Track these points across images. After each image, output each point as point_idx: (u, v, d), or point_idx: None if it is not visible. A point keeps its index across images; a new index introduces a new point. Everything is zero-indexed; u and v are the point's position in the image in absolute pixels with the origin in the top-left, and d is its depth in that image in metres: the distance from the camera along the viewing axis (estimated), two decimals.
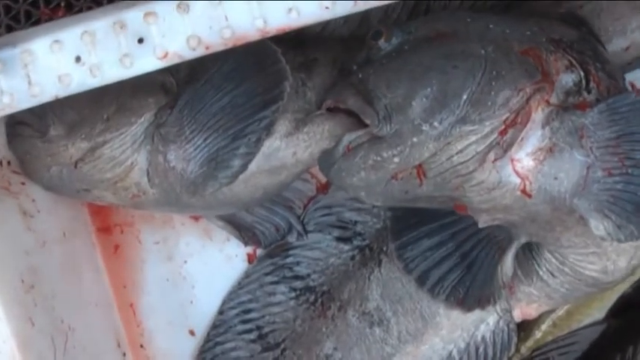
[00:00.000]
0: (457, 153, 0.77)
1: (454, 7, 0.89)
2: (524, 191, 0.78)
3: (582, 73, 0.80)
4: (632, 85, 0.95)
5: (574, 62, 0.80)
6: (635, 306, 0.93)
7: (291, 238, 0.97)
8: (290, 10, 0.73)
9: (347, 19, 0.89)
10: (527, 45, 0.80)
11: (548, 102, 0.78)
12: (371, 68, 0.81)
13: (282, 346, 0.97)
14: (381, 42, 0.83)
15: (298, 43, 0.88)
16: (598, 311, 0.94)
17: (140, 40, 0.74)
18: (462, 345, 0.92)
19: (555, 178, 0.77)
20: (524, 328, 0.95)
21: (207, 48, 0.74)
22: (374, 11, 0.86)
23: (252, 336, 0.98)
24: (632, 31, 0.90)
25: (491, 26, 0.81)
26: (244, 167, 0.85)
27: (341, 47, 0.89)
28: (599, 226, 0.77)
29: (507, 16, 0.84)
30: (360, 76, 0.82)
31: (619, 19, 0.90)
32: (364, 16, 0.87)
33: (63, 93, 0.75)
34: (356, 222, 0.96)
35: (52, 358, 0.86)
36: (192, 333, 1.02)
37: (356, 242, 0.96)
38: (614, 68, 0.84)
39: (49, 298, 0.88)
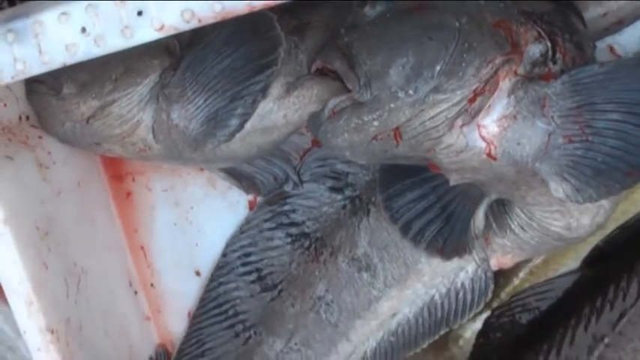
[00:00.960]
0: (429, 118, 0.83)
1: None
2: (489, 154, 0.83)
3: (549, 44, 0.84)
4: (612, 48, 0.99)
5: (542, 34, 0.84)
6: (606, 257, 0.97)
7: (288, 188, 1.04)
8: None
9: None
10: (499, 17, 0.84)
11: (515, 72, 0.83)
12: (355, 33, 0.87)
13: (279, 287, 1.04)
14: (367, 8, 0.88)
15: (292, 7, 0.93)
16: (573, 261, 0.99)
17: (139, 13, 0.80)
18: (443, 290, 0.99)
19: (518, 144, 0.83)
20: (504, 275, 1.01)
21: (199, 21, 0.79)
22: None
23: (252, 277, 1.05)
24: None
25: None
26: (241, 126, 0.91)
27: (333, 11, 0.93)
28: (558, 188, 0.83)
29: None
30: (346, 40, 0.87)
31: None
32: None
33: (70, 61, 0.81)
34: (347, 173, 1.02)
35: (65, 297, 0.94)
36: (197, 273, 1.09)
37: (347, 192, 1.02)
38: (584, 39, 0.88)
39: (62, 243, 0.95)
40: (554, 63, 0.84)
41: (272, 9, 0.88)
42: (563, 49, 0.85)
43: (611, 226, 0.97)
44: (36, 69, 0.82)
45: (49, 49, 0.81)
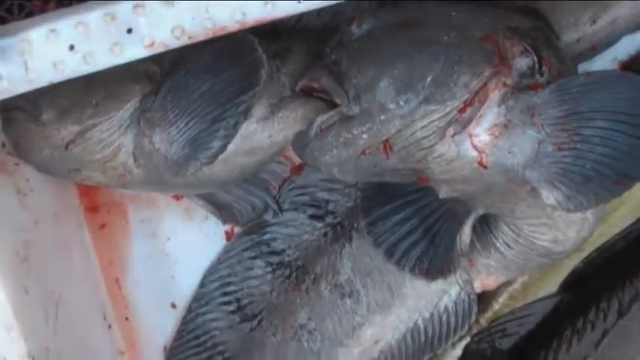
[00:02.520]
0: (420, 129, 0.84)
1: None
2: (480, 163, 0.85)
3: (536, 58, 0.86)
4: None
5: (528, 48, 0.86)
6: (584, 280, 0.99)
7: (268, 216, 1.03)
8: (266, 3, 0.80)
9: (320, 12, 0.95)
10: (486, 32, 0.86)
11: (504, 84, 0.85)
12: (343, 51, 0.88)
13: (260, 317, 1.03)
14: (353, 27, 0.89)
15: (274, 33, 0.94)
16: (551, 285, 1.00)
17: (129, 31, 0.80)
18: (427, 315, 0.99)
19: (509, 152, 0.84)
20: (483, 301, 1.01)
21: (190, 37, 0.80)
22: (346, 4, 0.92)
23: (231, 307, 1.03)
24: (584, 24, 0.96)
25: (454, 14, 0.87)
26: (223, 148, 0.90)
27: (314, 37, 0.95)
28: (549, 196, 0.83)
29: (469, 5, 0.90)
30: (333, 57, 0.88)
31: (571, 14, 0.96)
32: (336, 10, 0.94)
33: (57, 78, 0.81)
34: (328, 201, 1.02)
35: (44, 325, 0.91)
36: (173, 306, 1.07)
37: (328, 220, 1.02)
38: (565, 55, 0.90)
39: (41, 270, 0.93)
40: (542, 75, 0.86)
41: (253, 34, 0.89)
42: (548, 62, 0.87)
43: (589, 249, 0.98)
44: (22, 87, 0.81)
45: (36, 66, 0.81)
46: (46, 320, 0.92)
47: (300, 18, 0.95)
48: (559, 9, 0.96)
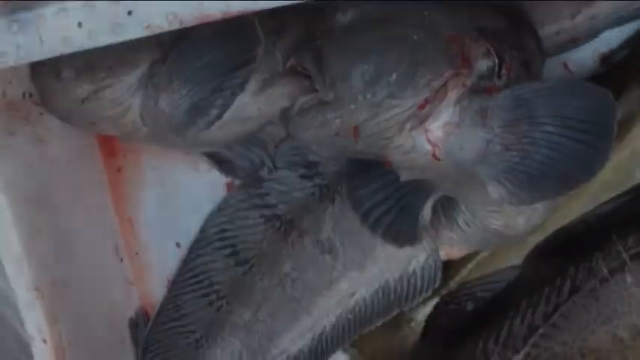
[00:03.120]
0: (384, 120, 0.91)
1: None
2: (434, 156, 0.91)
3: (497, 61, 0.91)
4: (565, 65, 1.07)
5: (491, 50, 0.92)
6: (546, 256, 1.06)
7: (263, 173, 1.13)
8: None
9: None
10: (454, 32, 0.92)
11: (463, 84, 0.90)
12: (327, 38, 0.95)
13: (251, 262, 1.13)
14: (339, 15, 0.96)
15: (273, 11, 1.02)
16: (516, 257, 1.07)
17: (129, 13, 0.89)
18: (397, 275, 1.08)
19: (460, 148, 0.90)
20: (453, 267, 1.10)
21: (181, 22, 0.88)
22: None
23: (227, 252, 1.14)
24: (563, 17, 1.01)
25: (426, 13, 0.93)
26: (220, 116, 0.99)
27: (308, 16, 1.00)
28: (494, 191, 0.90)
29: (444, 5, 0.95)
30: (318, 42, 0.95)
31: (551, 7, 1.01)
32: None
33: (66, 51, 0.90)
34: (318, 163, 1.11)
35: (53, 260, 1.04)
36: (178, 245, 1.18)
37: (316, 180, 1.11)
38: (531, 57, 0.95)
39: (55, 212, 1.05)
40: (499, 78, 0.92)
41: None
42: (509, 65, 0.92)
43: (551, 229, 1.05)
44: (36, 56, 0.91)
45: (48, 39, 0.90)
46: (56, 256, 1.04)
47: None
48: (539, 3, 0.99)
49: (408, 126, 0.91)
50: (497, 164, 0.90)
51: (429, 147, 0.92)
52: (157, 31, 0.89)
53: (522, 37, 0.96)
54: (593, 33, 1.04)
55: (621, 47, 1.07)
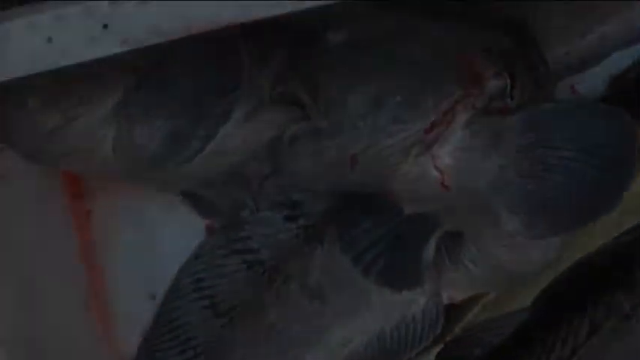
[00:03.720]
0: (387, 147, 0.85)
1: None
2: (442, 184, 0.86)
3: (508, 81, 0.87)
4: (573, 88, 1.03)
5: (502, 70, 0.87)
6: (558, 295, 0.99)
7: (245, 214, 1.04)
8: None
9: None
10: (462, 52, 0.87)
11: (473, 106, 0.85)
12: (319, 59, 0.90)
13: (231, 314, 1.04)
14: (330, 34, 0.90)
15: (257, 32, 0.95)
16: (525, 298, 1.00)
17: (105, 26, 0.82)
18: (394, 322, 1.00)
19: (471, 175, 0.85)
20: (458, 310, 1.02)
21: (161, 35, 0.81)
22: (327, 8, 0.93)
23: (205, 303, 1.05)
24: (572, 37, 0.98)
25: (431, 32, 0.88)
26: (202, 149, 0.93)
27: (298, 35, 0.94)
28: (508, 222, 0.85)
29: (448, 24, 0.90)
30: (309, 65, 0.90)
31: (560, 27, 0.97)
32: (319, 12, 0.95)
33: (35, 70, 0.82)
34: (303, 203, 1.03)
35: (17, 310, 0.95)
36: (152, 296, 1.09)
37: (301, 221, 1.03)
38: (543, 77, 0.91)
39: (19, 257, 0.97)
40: (512, 99, 0.87)
41: (236, 32, 0.90)
42: (521, 86, 0.87)
43: (566, 263, 0.98)
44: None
45: (13, 57, 0.82)
46: (20, 306, 0.96)
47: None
48: (547, 22, 0.96)
49: (413, 152, 0.85)
50: (511, 192, 0.84)
51: (436, 174, 0.86)
52: (136, 45, 0.82)
53: (531, 57, 0.92)
54: (603, 54, 1.00)
55: (632, 68, 1.03)
